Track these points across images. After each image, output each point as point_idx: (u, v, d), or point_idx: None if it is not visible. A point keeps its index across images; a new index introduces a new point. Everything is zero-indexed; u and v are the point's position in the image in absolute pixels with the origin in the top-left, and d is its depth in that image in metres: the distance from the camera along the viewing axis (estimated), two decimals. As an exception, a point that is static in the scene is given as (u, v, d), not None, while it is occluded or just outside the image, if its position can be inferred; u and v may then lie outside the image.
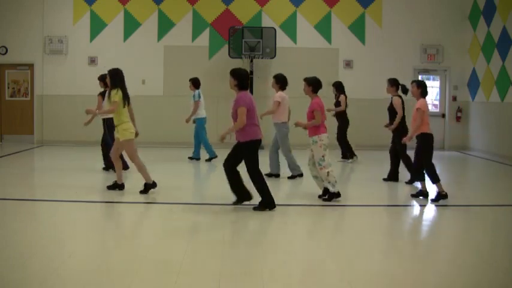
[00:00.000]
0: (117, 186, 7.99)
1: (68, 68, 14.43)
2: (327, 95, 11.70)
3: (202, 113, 11.32)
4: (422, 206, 7.61)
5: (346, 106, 11.57)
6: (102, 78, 9.70)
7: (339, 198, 7.48)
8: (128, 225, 6.54)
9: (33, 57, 14.42)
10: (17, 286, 4.25)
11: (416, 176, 7.90)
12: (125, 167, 9.47)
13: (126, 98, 7.74)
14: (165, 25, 14.52)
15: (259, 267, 4.80)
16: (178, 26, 14.52)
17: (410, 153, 8.51)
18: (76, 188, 8.30)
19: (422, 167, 7.68)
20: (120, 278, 4.42)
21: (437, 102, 15.24)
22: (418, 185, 8.78)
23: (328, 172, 7.34)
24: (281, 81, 9.14)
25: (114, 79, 7.74)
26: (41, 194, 8.27)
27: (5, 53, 14.45)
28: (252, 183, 6.90)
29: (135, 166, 7.89)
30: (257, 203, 6.89)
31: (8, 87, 14.70)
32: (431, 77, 15.20)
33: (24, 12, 14.34)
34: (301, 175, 9.31)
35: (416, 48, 14.68)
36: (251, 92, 13.24)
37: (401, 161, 9.13)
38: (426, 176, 7.62)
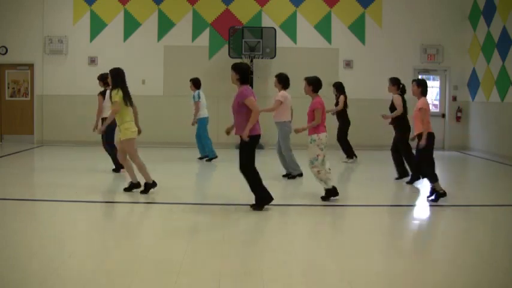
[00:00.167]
0: (134, 186, 7.91)
1: (68, 68, 14.43)
2: (327, 95, 11.71)
3: (203, 113, 11.32)
4: (422, 206, 7.61)
5: (346, 106, 11.57)
6: (101, 78, 9.71)
7: (337, 197, 7.49)
8: (128, 225, 6.54)
9: (33, 57, 14.43)
10: (17, 286, 4.25)
11: (417, 175, 7.92)
12: (122, 166, 9.52)
13: (127, 97, 7.73)
14: (165, 25, 14.52)
15: (260, 267, 4.80)
16: (178, 26, 14.52)
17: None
18: (76, 188, 8.30)
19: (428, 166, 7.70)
20: (120, 278, 4.42)
21: (437, 102, 15.24)
22: (419, 185, 8.79)
23: (318, 171, 7.40)
24: (283, 81, 9.15)
25: (115, 79, 7.73)
26: (41, 194, 8.27)
27: (5, 53, 14.45)
28: (250, 183, 6.90)
29: (135, 166, 7.88)
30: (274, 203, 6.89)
31: (8, 87, 14.70)
32: (431, 77, 15.20)
33: (24, 12, 14.34)
34: (300, 175, 9.31)
35: (416, 48, 14.68)
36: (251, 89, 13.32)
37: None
38: (425, 175, 7.61)
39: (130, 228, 6.37)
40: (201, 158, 11.53)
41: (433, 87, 15.19)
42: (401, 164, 9.17)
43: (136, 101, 14.28)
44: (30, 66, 14.51)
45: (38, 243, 5.42)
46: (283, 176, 9.42)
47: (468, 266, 4.97)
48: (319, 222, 6.86)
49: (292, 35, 14.60)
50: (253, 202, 6.89)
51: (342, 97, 11.54)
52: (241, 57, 13.70)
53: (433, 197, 7.57)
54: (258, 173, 6.83)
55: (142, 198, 7.64)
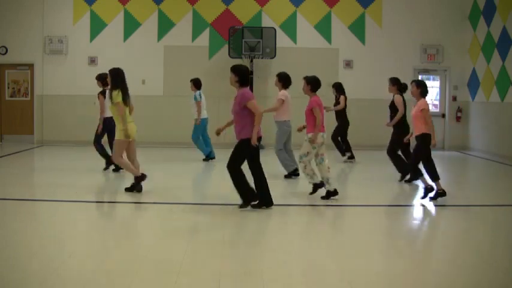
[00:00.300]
0: (139, 179, 7.78)
1: (68, 68, 14.43)
2: (326, 94, 11.71)
3: (203, 113, 11.32)
4: (422, 206, 7.61)
5: (345, 106, 11.59)
6: (100, 78, 9.70)
7: (334, 198, 7.53)
8: (128, 225, 6.54)
9: (33, 57, 14.42)
10: (17, 286, 4.25)
11: (416, 174, 7.93)
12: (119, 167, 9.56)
13: (126, 97, 7.74)
14: (165, 25, 14.52)
15: (259, 267, 4.80)
16: (178, 26, 14.52)
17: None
18: (76, 188, 8.30)
19: (431, 167, 7.71)
20: (120, 278, 4.42)
21: (437, 102, 15.24)
22: (419, 182, 8.79)
23: (305, 166, 7.56)
24: (284, 80, 9.15)
25: (115, 79, 7.73)
26: (41, 194, 8.27)
27: (5, 53, 14.45)
28: (252, 181, 6.90)
29: (121, 165, 7.86)
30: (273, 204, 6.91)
31: (8, 87, 14.69)
32: (431, 77, 15.20)
33: (24, 12, 14.34)
34: (295, 171, 9.34)
35: (416, 48, 14.68)
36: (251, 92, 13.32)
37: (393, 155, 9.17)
38: (411, 170, 7.63)
39: (130, 228, 6.37)
40: (205, 159, 11.51)
41: (433, 87, 15.18)
42: (400, 163, 9.17)
43: (136, 101, 14.26)
44: (30, 66, 14.51)
45: (38, 243, 5.42)
46: (285, 176, 9.45)
47: (468, 266, 4.97)
48: (319, 222, 6.86)
49: (292, 35, 14.60)
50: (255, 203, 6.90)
51: (342, 97, 11.55)
52: (241, 57, 13.70)
53: (432, 195, 7.59)
54: (243, 174, 6.77)
55: (142, 198, 7.63)
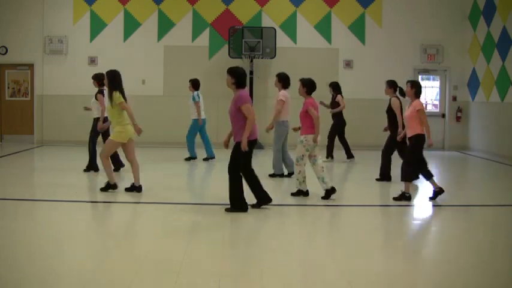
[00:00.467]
0: (110, 186, 7.88)
1: (68, 68, 14.42)
2: (325, 94, 11.70)
3: (201, 114, 11.32)
4: (422, 206, 7.61)
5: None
6: (96, 77, 9.68)
7: (333, 197, 7.59)
8: (128, 225, 6.54)
9: (33, 57, 14.42)
10: (17, 286, 4.25)
11: (424, 175, 7.96)
12: (120, 165, 9.54)
13: (124, 99, 7.77)
14: (165, 25, 14.52)
15: (259, 267, 4.80)
16: (178, 26, 14.52)
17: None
18: (76, 188, 8.30)
19: (421, 167, 7.73)
20: (120, 278, 4.42)
21: (437, 102, 15.25)
22: (417, 182, 8.80)
23: (299, 171, 7.63)
24: (283, 80, 9.17)
25: (113, 81, 7.76)
26: (40, 194, 8.27)
27: (5, 53, 14.45)
28: (247, 183, 6.90)
29: (101, 163, 7.88)
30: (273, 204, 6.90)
31: (8, 87, 14.69)
32: (431, 77, 15.20)
33: (24, 12, 14.34)
34: (282, 175, 9.38)
35: (416, 48, 14.68)
36: (251, 92, 13.35)
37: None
38: (407, 173, 7.63)
39: (130, 228, 6.37)
40: (206, 159, 11.52)
41: (433, 87, 15.20)
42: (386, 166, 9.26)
43: (136, 101, 14.26)
44: (30, 66, 14.51)
45: (37, 243, 5.43)
46: (286, 175, 9.47)
47: (468, 266, 4.97)
48: (318, 222, 6.86)
49: (292, 35, 14.60)
50: (254, 203, 6.91)
51: (340, 97, 11.54)
52: (241, 57, 13.71)
53: (396, 196, 7.63)
54: (241, 180, 6.77)
55: (142, 198, 7.64)
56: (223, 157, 11.49)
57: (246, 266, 4.84)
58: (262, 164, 10.27)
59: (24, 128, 14.66)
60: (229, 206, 6.81)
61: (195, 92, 11.29)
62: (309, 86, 7.78)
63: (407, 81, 7.99)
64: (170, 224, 6.38)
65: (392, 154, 9.22)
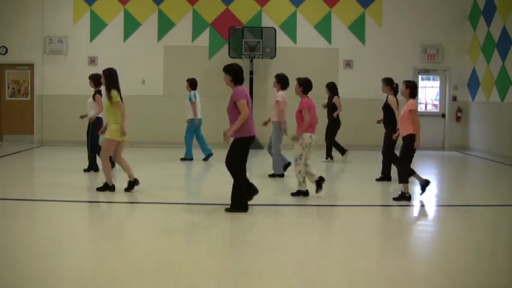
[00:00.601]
0: (108, 187, 7.90)
1: (68, 68, 14.42)
2: (323, 95, 11.68)
3: (198, 113, 11.34)
4: (422, 206, 7.61)
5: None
6: (93, 78, 9.68)
7: (307, 197, 7.67)
8: (128, 225, 6.53)
9: (33, 57, 14.42)
10: (17, 286, 4.25)
11: (409, 174, 8.02)
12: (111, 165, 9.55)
13: (120, 98, 7.77)
14: (165, 25, 14.52)
15: (259, 267, 4.80)
16: (178, 26, 14.52)
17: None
18: (76, 188, 8.30)
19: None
20: (120, 278, 4.42)
21: (437, 102, 15.24)
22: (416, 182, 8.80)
23: (299, 171, 7.66)
24: (282, 81, 9.18)
25: (110, 80, 7.77)
26: (40, 194, 8.26)
27: (5, 53, 14.45)
28: (246, 183, 6.89)
29: (102, 163, 7.91)
30: (262, 196, 6.89)
31: (8, 87, 14.69)
32: (431, 77, 15.20)
33: (24, 12, 14.34)
34: (282, 176, 9.38)
35: (416, 48, 14.68)
36: (251, 92, 13.36)
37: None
38: (402, 173, 7.65)
39: (130, 228, 6.37)
40: (205, 159, 11.52)
41: (433, 87, 15.20)
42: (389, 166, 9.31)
43: (136, 101, 14.28)
44: (30, 66, 14.51)
45: (37, 243, 5.42)
46: (269, 175, 9.59)
47: (469, 266, 4.97)
48: (318, 223, 6.86)
49: (292, 35, 14.60)
50: (249, 203, 6.91)
51: (337, 98, 11.54)
52: (241, 57, 13.72)
53: (396, 196, 7.65)
54: (245, 179, 6.80)
55: (142, 198, 7.64)
56: (223, 157, 11.51)
57: (246, 266, 4.84)
58: (262, 164, 10.27)
59: (24, 128, 14.66)
60: (229, 206, 6.82)
61: (192, 92, 11.30)
62: (305, 85, 7.82)
63: (403, 81, 8.02)
64: (170, 224, 6.37)
65: (393, 150, 9.21)
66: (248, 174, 7.01)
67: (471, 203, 7.99)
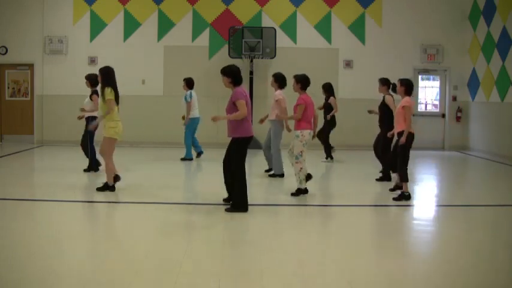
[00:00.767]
0: (108, 188, 7.92)
1: (68, 68, 14.42)
2: (321, 94, 11.67)
3: (194, 113, 11.35)
4: (422, 206, 7.61)
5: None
6: (89, 78, 9.67)
7: (306, 195, 7.74)
8: (128, 225, 6.53)
9: (33, 57, 14.43)
10: (17, 286, 4.25)
11: (389, 171, 8.09)
12: (98, 164, 9.54)
13: (116, 96, 7.76)
14: (165, 25, 14.52)
15: (259, 267, 4.80)
16: (178, 26, 14.52)
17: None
18: (76, 188, 8.30)
19: (394, 160, 7.86)
20: (120, 278, 4.42)
21: (437, 102, 15.24)
22: (416, 183, 8.80)
23: (301, 168, 7.69)
24: (279, 80, 9.20)
25: (106, 78, 7.76)
26: (40, 194, 8.26)
27: (5, 53, 14.45)
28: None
29: (105, 164, 7.90)
30: (262, 196, 6.89)
31: (8, 87, 14.69)
32: (431, 77, 15.20)
33: (24, 12, 14.34)
34: (282, 175, 9.38)
35: (416, 48, 14.68)
36: (250, 92, 13.36)
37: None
38: (400, 170, 7.69)
39: (130, 228, 6.36)
40: (197, 156, 11.65)
41: (433, 87, 15.20)
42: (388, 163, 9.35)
43: (136, 101, 14.27)
44: (30, 66, 14.51)
45: (37, 243, 5.42)
46: (266, 171, 9.73)
47: (469, 266, 4.97)
48: (318, 222, 6.86)
49: (292, 35, 14.60)
50: (248, 203, 6.90)
51: (333, 99, 11.55)
52: (241, 57, 13.73)
53: (396, 196, 7.66)
54: (245, 179, 6.82)
55: (142, 198, 7.64)
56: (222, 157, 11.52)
57: (246, 266, 4.84)
58: (261, 163, 10.27)
59: (24, 128, 14.66)
60: (229, 206, 6.82)
61: (188, 92, 11.33)
62: (303, 81, 7.88)
63: (398, 79, 8.04)
64: (170, 224, 6.37)
65: (389, 151, 9.21)
66: (248, 174, 7.00)
67: (471, 203, 7.99)
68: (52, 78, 14.43)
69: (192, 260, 4.90)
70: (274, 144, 9.30)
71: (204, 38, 14.52)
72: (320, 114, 11.51)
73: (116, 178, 7.93)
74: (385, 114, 9.22)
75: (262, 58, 13.99)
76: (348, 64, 14.69)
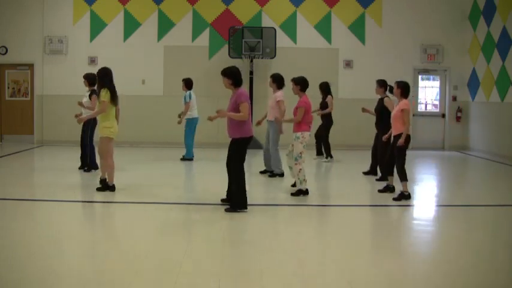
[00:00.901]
0: (106, 185, 7.93)
1: (68, 68, 14.41)
2: (315, 94, 11.65)
3: (193, 113, 11.35)
4: (422, 206, 7.61)
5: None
6: (87, 77, 9.65)
7: (306, 196, 7.74)
8: (128, 225, 6.53)
9: (33, 57, 14.42)
10: (17, 286, 4.25)
11: (386, 171, 8.10)
12: (95, 167, 9.51)
13: (115, 97, 7.77)
14: (165, 25, 14.52)
15: (259, 267, 4.80)
16: (178, 26, 14.52)
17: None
18: (76, 188, 8.30)
19: (392, 164, 7.85)
20: (120, 278, 4.42)
21: (437, 102, 15.24)
22: (416, 183, 8.80)
23: (300, 169, 7.69)
24: (278, 81, 9.21)
25: (103, 79, 7.79)
26: (40, 194, 8.26)
27: (5, 53, 14.45)
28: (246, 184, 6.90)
29: (104, 165, 7.90)
30: (262, 196, 6.88)
31: (8, 87, 14.69)
32: (431, 77, 15.19)
33: (24, 12, 14.34)
34: (282, 175, 9.39)
35: (416, 48, 14.67)
36: (250, 92, 13.37)
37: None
38: (396, 173, 7.72)
39: (130, 228, 6.37)
40: (183, 159, 11.63)
41: (433, 87, 15.20)
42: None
43: (136, 101, 14.27)
44: (30, 66, 14.51)
45: (37, 243, 5.42)
46: (261, 172, 9.74)
47: (468, 266, 4.97)
48: (318, 222, 6.86)
49: (292, 35, 14.60)
50: (248, 203, 6.90)
51: (330, 98, 11.55)
52: (241, 57, 13.72)
53: (396, 196, 7.67)
54: (244, 178, 6.83)
55: (141, 198, 7.64)
56: (222, 157, 11.52)
57: (246, 266, 4.84)
58: (261, 163, 10.27)
59: (24, 128, 14.66)
60: (229, 206, 6.83)
61: (187, 92, 11.33)
62: (302, 83, 7.93)
63: (395, 82, 8.04)
64: (170, 224, 6.38)
65: (387, 151, 9.22)
66: (248, 174, 7.01)
67: (471, 203, 7.99)
68: (52, 78, 14.42)
69: (192, 260, 4.90)
70: (273, 143, 9.31)
71: (204, 38, 14.52)
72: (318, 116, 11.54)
73: (106, 184, 7.92)
74: (384, 116, 9.17)
75: (262, 58, 13.99)
76: (348, 64, 14.69)
